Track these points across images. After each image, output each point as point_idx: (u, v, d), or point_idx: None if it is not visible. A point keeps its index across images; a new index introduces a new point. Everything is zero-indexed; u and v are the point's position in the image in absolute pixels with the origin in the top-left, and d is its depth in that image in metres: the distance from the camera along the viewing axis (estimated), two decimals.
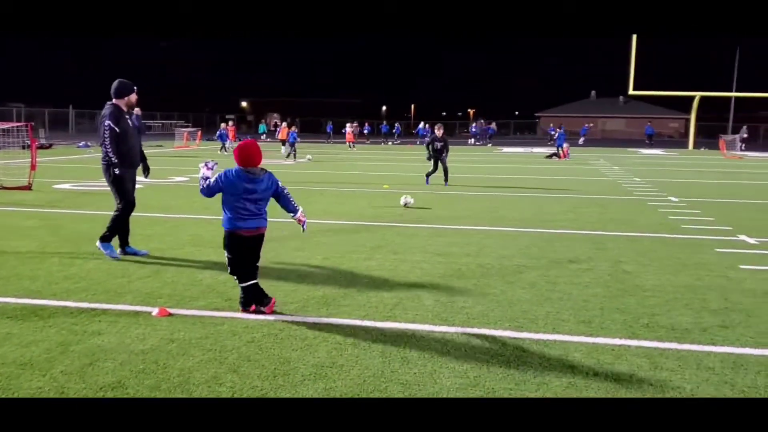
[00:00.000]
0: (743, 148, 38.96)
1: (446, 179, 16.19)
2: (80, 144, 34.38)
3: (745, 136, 40.41)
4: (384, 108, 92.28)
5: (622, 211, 11.60)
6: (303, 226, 5.44)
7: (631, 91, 38.43)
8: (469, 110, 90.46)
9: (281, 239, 8.14)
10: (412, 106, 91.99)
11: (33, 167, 14.54)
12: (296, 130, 27.92)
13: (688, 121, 55.09)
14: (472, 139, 48.69)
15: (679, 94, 43.71)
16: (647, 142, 45.73)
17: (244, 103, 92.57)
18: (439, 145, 16.11)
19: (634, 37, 36.97)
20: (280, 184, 5.32)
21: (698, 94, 39.92)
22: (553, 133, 34.96)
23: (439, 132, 16.35)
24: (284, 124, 31.70)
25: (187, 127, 47.08)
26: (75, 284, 6.02)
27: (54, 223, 9.64)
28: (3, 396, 3.70)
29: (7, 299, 5.54)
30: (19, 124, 16.72)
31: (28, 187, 13.89)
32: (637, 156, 33.11)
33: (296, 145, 26.79)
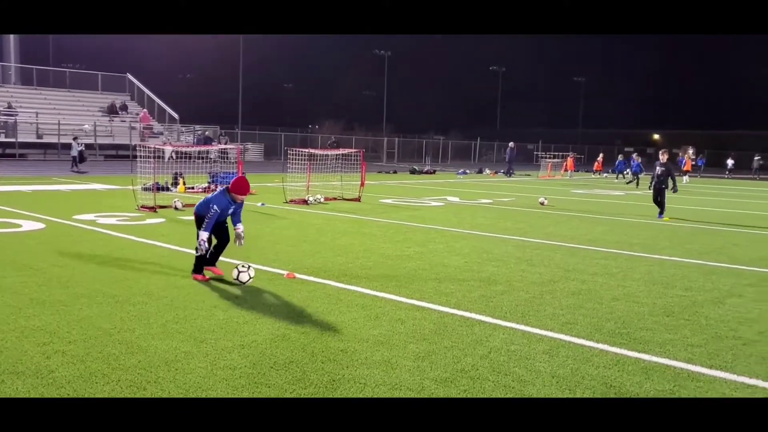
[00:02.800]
0: None
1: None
2: (459, 171, 39.20)
3: None
4: None
5: None
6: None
7: None
8: None
9: None
10: None
11: (362, 184, 18.49)
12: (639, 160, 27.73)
13: None
14: None
15: None
16: None
17: (656, 136, 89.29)
18: (659, 169, 15.60)
19: None
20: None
21: None
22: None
23: (663, 157, 15.77)
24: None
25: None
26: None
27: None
28: None
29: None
30: (354, 150, 21.06)
31: (358, 199, 17.76)
32: None
33: None
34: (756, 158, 49.35)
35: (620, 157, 41.32)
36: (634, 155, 34.71)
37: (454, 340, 5.46)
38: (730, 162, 47.78)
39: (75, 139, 28.63)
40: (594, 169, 41.82)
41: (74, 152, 27.50)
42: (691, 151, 36.29)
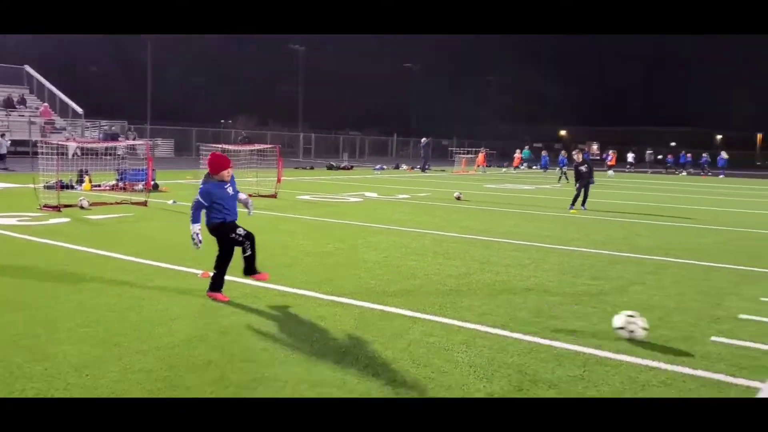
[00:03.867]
0: None
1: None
2: (376, 167, 39.41)
3: None
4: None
5: (748, 244, 10.17)
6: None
7: None
8: None
9: None
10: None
11: (278, 180, 18.27)
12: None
13: None
14: None
15: None
16: None
17: (563, 132, 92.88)
18: (583, 169, 16.50)
19: None
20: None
21: None
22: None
23: (579, 157, 16.86)
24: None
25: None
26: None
27: None
28: None
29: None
30: (269, 146, 20.84)
31: (274, 196, 17.52)
32: None
33: None
34: (648, 152, 52.46)
35: (543, 153, 42.75)
36: (563, 152, 35.65)
37: (375, 335, 5.50)
38: (630, 156, 50.33)
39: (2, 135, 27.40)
40: (513, 165, 43.09)
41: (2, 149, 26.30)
42: (594, 146, 37.99)
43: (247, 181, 19.63)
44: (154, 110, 51.42)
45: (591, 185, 16.70)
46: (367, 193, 20.35)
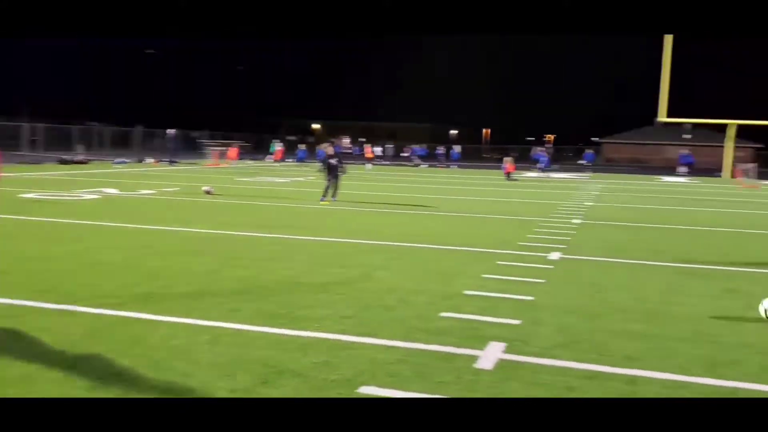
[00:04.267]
0: None
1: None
2: (116, 161, 36.59)
3: None
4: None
5: (484, 228, 11.66)
6: None
7: (661, 119, 37.33)
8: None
9: None
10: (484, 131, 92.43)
11: None
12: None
13: (756, 150, 53.54)
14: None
15: (712, 122, 42.10)
16: (681, 170, 43.85)
17: (315, 125, 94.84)
18: (333, 162, 17.02)
19: (666, 65, 36.06)
20: None
21: (734, 122, 38.20)
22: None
23: (330, 150, 17.42)
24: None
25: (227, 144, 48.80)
26: None
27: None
28: None
29: None
30: None
31: None
32: (648, 182, 32.26)
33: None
34: (388, 146, 56.29)
35: (302, 147, 43.20)
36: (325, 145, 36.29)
37: (110, 344, 5.06)
38: (379, 150, 53.41)
39: None
40: (275, 158, 43.05)
41: None
42: (346, 140, 39.64)
43: None
44: None
45: (341, 176, 17.24)
46: (106, 189, 18.80)
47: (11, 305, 6.03)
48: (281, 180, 26.77)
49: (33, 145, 47.37)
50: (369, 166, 39.93)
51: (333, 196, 16.98)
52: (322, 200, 16.80)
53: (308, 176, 29.96)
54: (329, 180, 17.01)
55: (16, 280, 7.00)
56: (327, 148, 17.69)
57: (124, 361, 4.70)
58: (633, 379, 4.69)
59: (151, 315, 5.87)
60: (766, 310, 6.17)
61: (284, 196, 18.67)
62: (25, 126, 48.82)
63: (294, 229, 11.58)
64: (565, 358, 5.06)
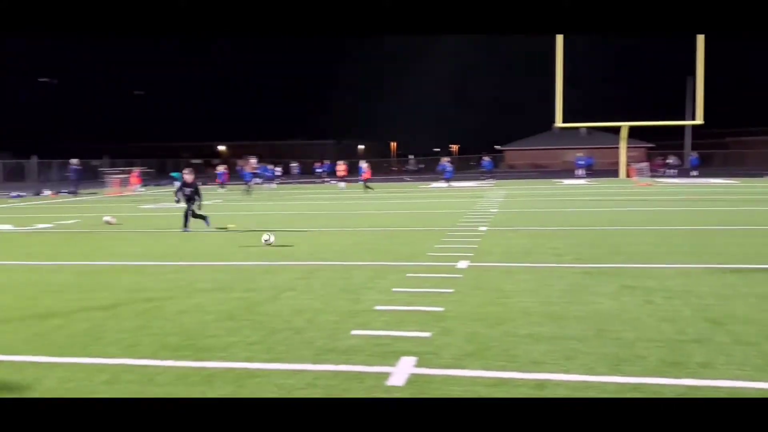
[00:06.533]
0: (668, 173, 42.16)
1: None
2: (13, 195, 34.47)
3: (672, 162, 43.19)
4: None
5: (393, 241, 11.81)
6: None
7: (558, 124, 39.10)
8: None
9: None
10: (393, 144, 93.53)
11: None
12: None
13: (648, 149, 57.04)
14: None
15: (606, 125, 44.64)
16: (579, 173, 46.09)
17: (222, 147, 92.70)
18: (188, 191, 15.25)
19: (559, 72, 37.85)
20: None
21: (626, 124, 40.50)
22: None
23: (189, 177, 15.39)
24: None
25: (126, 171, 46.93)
26: None
27: None
28: None
29: None
30: None
31: None
32: (549, 186, 33.69)
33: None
34: (293, 164, 55.51)
35: (222, 168, 41.76)
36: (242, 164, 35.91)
37: (1, 392, 4.72)
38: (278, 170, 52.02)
39: None
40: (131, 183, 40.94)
41: None
42: (253, 160, 38.95)
43: None
44: None
45: (197, 205, 15.35)
46: (0, 226, 17.65)
47: None
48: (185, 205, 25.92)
49: None
50: (342, 185, 38.23)
51: (185, 226, 15.23)
52: (184, 230, 15.18)
53: (215, 199, 29.31)
54: (187, 209, 15.28)
55: None
56: (187, 176, 15.55)
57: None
58: (541, 384, 4.81)
59: (45, 357, 5.53)
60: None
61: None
62: None
63: (197, 256, 11.26)
64: (474, 367, 5.14)
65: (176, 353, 5.59)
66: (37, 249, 12.80)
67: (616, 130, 43.73)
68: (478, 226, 14.94)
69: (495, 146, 77.02)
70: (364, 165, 34.24)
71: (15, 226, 17.51)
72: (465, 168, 67.47)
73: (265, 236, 12.32)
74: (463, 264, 9.73)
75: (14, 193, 35.12)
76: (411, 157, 68.30)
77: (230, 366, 5.25)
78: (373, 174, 39.07)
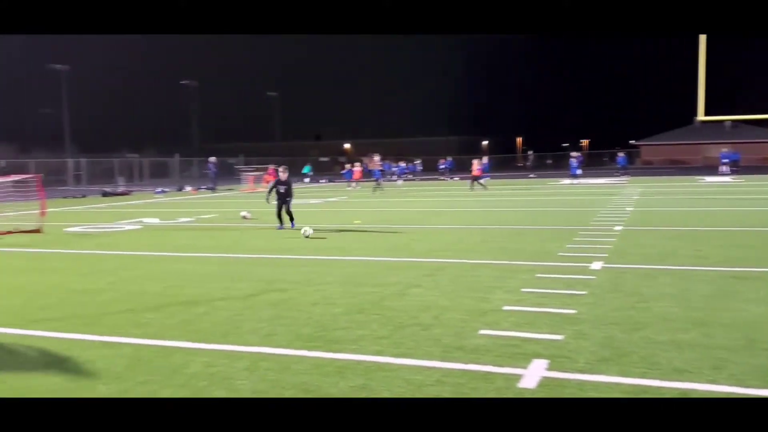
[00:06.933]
0: None
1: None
2: (157, 191, 37.37)
3: None
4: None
5: (521, 240, 11.45)
6: None
7: (700, 117, 36.47)
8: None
9: None
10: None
11: (42, 213, 16.48)
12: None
13: None
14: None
15: (754, 117, 40.98)
16: (723, 169, 42.79)
17: (347, 145, 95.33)
18: (282, 188, 15.24)
19: (702, 61, 35.29)
20: None
21: None
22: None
23: (284, 175, 15.39)
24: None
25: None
26: None
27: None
28: None
29: None
30: (30, 176, 18.93)
31: (39, 231, 15.73)
32: (689, 183, 31.52)
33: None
34: (416, 161, 55.28)
35: (356, 165, 43.09)
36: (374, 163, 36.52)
37: (151, 374, 5.11)
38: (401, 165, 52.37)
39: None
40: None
41: None
42: (377, 158, 39.67)
43: (5, 216, 17.49)
44: None
45: (290, 203, 15.32)
46: (147, 219, 19.16)
47: (59, 338, 6.15)
48: (314, 201, 26.90)
49: (78, 179, 48.74)
50: (400, 182, 38.64)
51: (281, 223, 15.24)
52: (280, 228, 15.18)
53: (342, 196, 30.12)
54: (277, 206, 15.26)
55: (63, 314, 7.14)
56: (281, 174, 15.59)
57: (165, 391, 4.72)
58: (685, 393, 4.51)
59: (190, 343, 5.91)
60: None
61: (317, 218, 18.74)
62: (70, 161, 50.27)
63: (325, 251, 11.60)
64: (611, 373, 4.90)
65: (309, 344, 5.78)
66: (181, 241, 13.74)
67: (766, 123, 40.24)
68: (612, 225, 14.28)
69: (629, 141, 73.40)
70: (475, 162, 33.45)
71: (161, 220, 18.93)
72: (597, 164, 64.85)
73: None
74: (596, 265, 9.33)
75: (159, 189, 38.07)
76: (530, 152, 66.70)
77: (360, 359, 5.34)
78: (497, 170, 38.46)
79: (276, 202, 15.32)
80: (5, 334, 6.34)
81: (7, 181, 19.74)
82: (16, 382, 5.00)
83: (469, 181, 32.48)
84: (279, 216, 15.30)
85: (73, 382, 4.96)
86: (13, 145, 64.70)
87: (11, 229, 15.83)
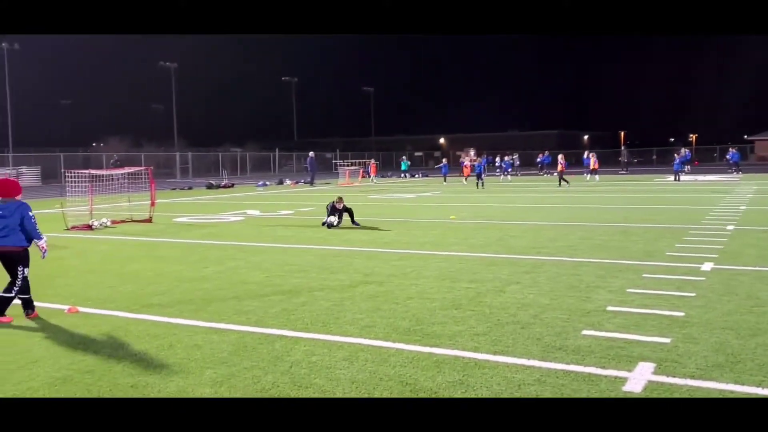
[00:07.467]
0: None
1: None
2: (259, 184, 38.71)
3: None
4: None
5: (626, 238, 10.92)
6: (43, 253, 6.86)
7: None
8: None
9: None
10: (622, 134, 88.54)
11: (153, 204, 17.48)
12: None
13: None
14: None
15: None
16: None
17: (441, 140, 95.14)
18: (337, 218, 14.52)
19: None
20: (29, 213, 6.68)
21: None
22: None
23: (339, 205, 14.64)
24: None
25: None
26: None
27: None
28: None
29: None
30: (141, 168, 20.02)
31: (149, 220, 16.71)
32: None
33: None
34: (514, 156, 54.20)
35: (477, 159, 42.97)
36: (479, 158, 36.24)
37: (255, 360, 5.30)
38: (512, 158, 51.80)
39: None
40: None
41: None
42: (472, 152, 39.31)
43: (120, 206, 18.67)
44: (17, 136, 48.00)
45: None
46: (249, 211, 19.90)
47: (168, 323, 6.50)
48: (408, 196, 27.01)
49: (184, 172, 51.35)
50: (596, 177, 35.85)
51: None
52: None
53: (434, 191, 30.07)
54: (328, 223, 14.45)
55: (172, 300, 7.55)
56: (336, 203, 14.71)
57: (268, 377, 4.89)
58: None
59: (292, 332, 6.08)
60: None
61: (411, 214, 18.79)
62: (177, 155, 53.04)
63: (421, 245, 11.61)
64: (724, 379, 4.64)
65: (406, 337, 5.82)
66: (282, 233, 14.17)
67: None
68: (724, 225, 13.46)
69: (744, 136, 68.87)
70: (560, 157, 32.22)
71: (261, 212, 19.59)
72: (707, 160, 61.36)
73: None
74: (707, 266, 8.83)
75: (260, 182, 39.41)
76: (623, 149, 63.69)
77: (457, 354, 5.32)
78: (600, 166, 37.18)
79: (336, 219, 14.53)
80: (121, 317, 6.77)
81: (122, 174, 21.09)
82: (129, 365, 5.33)
83: (556, 176, 31.67)
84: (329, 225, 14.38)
85: (181, 366, 5.23)
86: (126, 139, 69.08)
87: (125, 219, 16.89)
